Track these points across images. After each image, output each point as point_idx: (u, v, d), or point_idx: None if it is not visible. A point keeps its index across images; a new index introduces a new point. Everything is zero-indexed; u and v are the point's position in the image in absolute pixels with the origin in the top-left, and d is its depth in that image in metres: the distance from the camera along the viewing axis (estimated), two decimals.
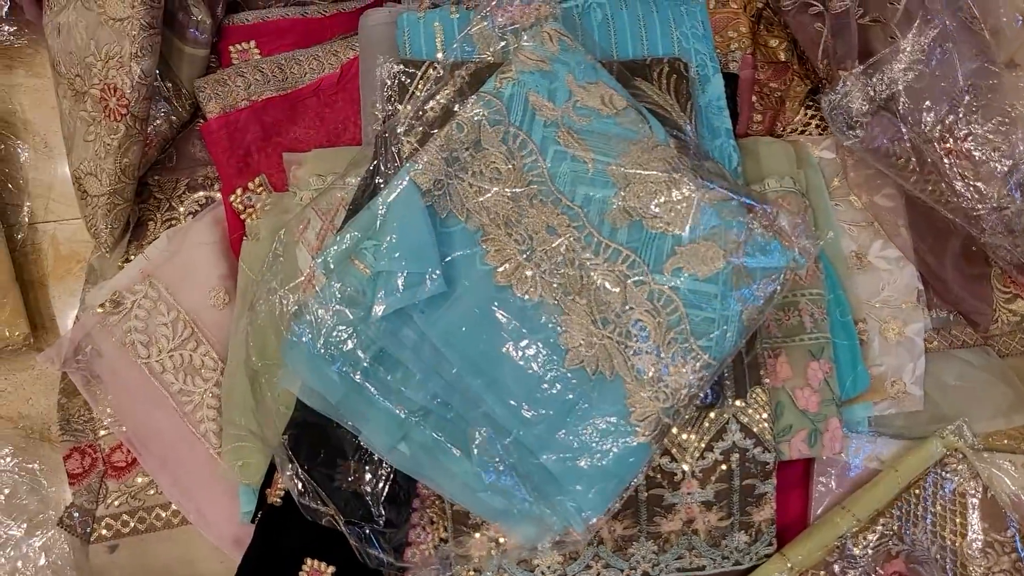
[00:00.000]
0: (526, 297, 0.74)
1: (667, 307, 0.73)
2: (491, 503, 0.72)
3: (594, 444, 0.72)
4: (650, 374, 0.72)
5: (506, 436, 0.72)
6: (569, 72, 0.77)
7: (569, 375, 0.73)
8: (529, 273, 0.74)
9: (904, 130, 0.83)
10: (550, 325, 0.73)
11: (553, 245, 0.74)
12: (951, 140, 0.83)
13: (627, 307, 0.73)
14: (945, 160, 0.83)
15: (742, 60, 0.93)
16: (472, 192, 0.75)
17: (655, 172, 0.74)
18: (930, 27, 0.83)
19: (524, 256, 0.74)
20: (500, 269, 0.74)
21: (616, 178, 0.75)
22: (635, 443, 0.72)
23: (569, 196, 0.75)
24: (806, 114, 0.96)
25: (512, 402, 0.73)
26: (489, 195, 0.75)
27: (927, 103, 0.83)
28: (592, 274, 0.74)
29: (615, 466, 0.72)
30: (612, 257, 0.74)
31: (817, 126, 0.96)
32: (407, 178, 0.73)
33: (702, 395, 0.76)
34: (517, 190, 0.75)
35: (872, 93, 0.84)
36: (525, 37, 0.79)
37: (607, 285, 0.74)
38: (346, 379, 0.72)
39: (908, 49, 0.83)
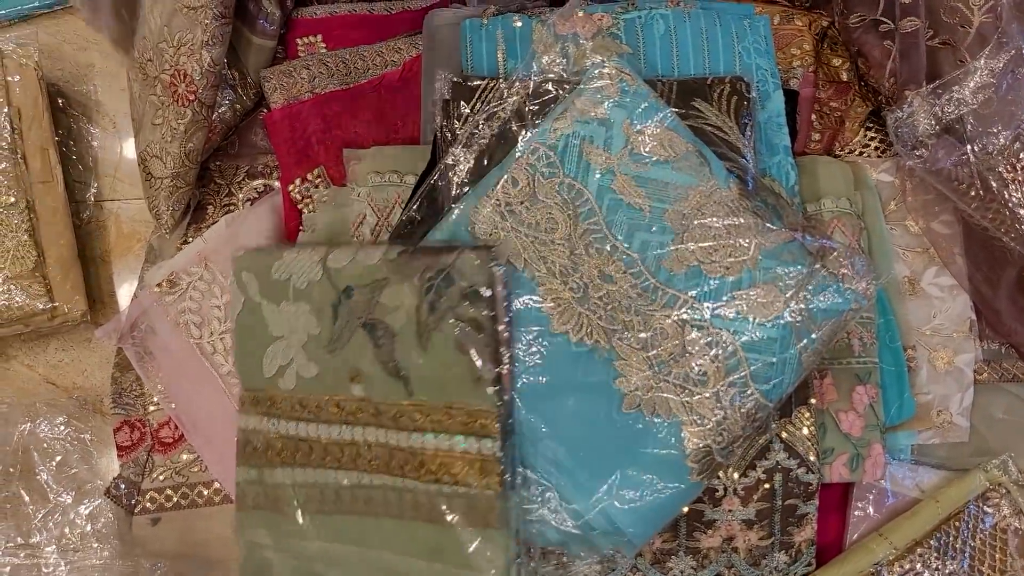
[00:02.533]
0: (580, 343, 0.73)
1: (725, 351, 0.71)
2: (547, 534, 0.72)
3: (649, 484, 0.72)
4: (708, 416, 0.71)
5: (562, 475, 0.72)
6: (627, 117, 0.76)
7: (627, 418, 0.72)
8: (584, 319, 0.73)
9: (969, 153, 0.82)
10: (606, 370, 0.73)
11: (608, 291, 0.74)
12: (1018, 166, 0.82)
13: (685, 352, 0.72)
14: (1010, 186, 0.81)
15: (803, 78, 0.92)
16: (529, 242, 0.75)
17: (714, 218, 0.73)
18: (1004, 51, 0.82)
19: (578, 303, 0.74)
20: (555, 318, 0.74)
21: (674, 224, 0.74)
22: (689, 482, 0.72)
23: (625, 243, 0.74)
24: (865, 135, 0.95)
25: (567, 444, 0.72)
26: (545, 245, 0.75)
27: (995, 127, 0.81)
28: (649, 319, 0.73)
29: (667, 504, 0.72)
30: (670, 302, 0.73)
31: (876, 148, 0.95)
32: (463, 230, 0.74)
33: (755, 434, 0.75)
34: (574, 239, 0.75)
35: (940, 113, 0.83)
36: (585, 76, 0.78)
37: (664, 330, 0.72)
38: None
39: (980, 71, 0.82)
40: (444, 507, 0.68)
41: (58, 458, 0.91)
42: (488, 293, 0.68)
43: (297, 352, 0.73)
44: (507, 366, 0.69)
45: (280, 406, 0.75)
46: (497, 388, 0.68)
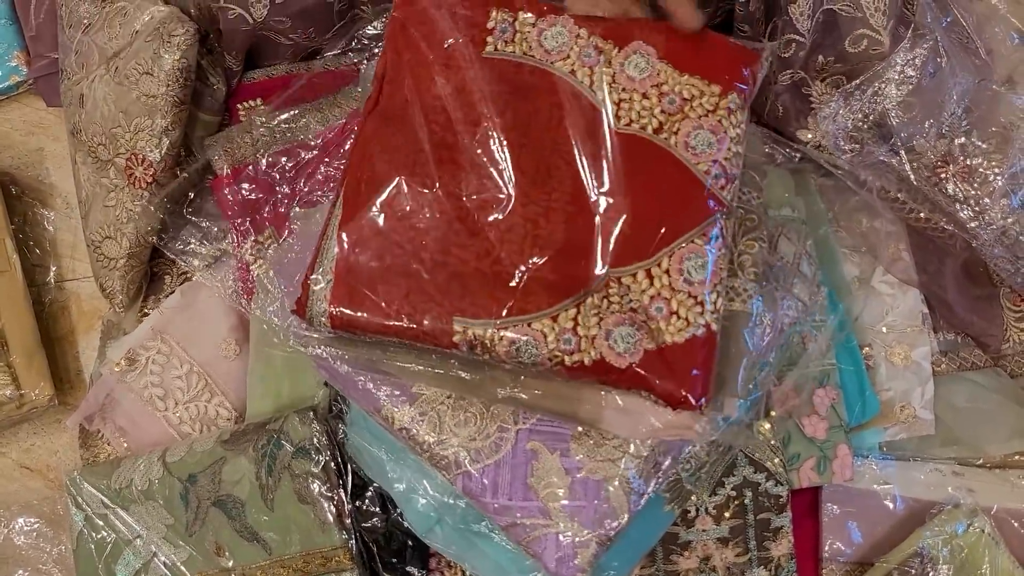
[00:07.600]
0: None
1: None
2: None
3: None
4: None
5: None
6: None
7: None
8: None
9: (899, 146, 0.83)
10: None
11: None
12: (947, 155, 0.83)
13: None
14: (943, 176, 0.82)
15: None
16: None
17: None
18: (922, 42, 0.83)
19: None
20: None
21: None
22: (662, 512, 0.73)
23: None
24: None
25: None
26: None
27: (922, 119, 0.82)
28: None
29: (644, 537, 0.73)
30: None
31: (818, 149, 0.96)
32: None
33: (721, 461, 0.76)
34: None
35: (866, 110, 0.84)
36: None
37: None
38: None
39: (899, 65, 0.83)
40: None
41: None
42: (314, 447, 0.76)
43: (160, 544, 0.80)
44: (348, 504, 0.77)
45: None
46: (343, 526, 0.76)
